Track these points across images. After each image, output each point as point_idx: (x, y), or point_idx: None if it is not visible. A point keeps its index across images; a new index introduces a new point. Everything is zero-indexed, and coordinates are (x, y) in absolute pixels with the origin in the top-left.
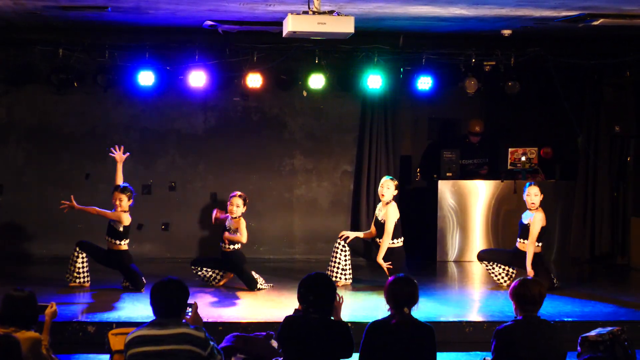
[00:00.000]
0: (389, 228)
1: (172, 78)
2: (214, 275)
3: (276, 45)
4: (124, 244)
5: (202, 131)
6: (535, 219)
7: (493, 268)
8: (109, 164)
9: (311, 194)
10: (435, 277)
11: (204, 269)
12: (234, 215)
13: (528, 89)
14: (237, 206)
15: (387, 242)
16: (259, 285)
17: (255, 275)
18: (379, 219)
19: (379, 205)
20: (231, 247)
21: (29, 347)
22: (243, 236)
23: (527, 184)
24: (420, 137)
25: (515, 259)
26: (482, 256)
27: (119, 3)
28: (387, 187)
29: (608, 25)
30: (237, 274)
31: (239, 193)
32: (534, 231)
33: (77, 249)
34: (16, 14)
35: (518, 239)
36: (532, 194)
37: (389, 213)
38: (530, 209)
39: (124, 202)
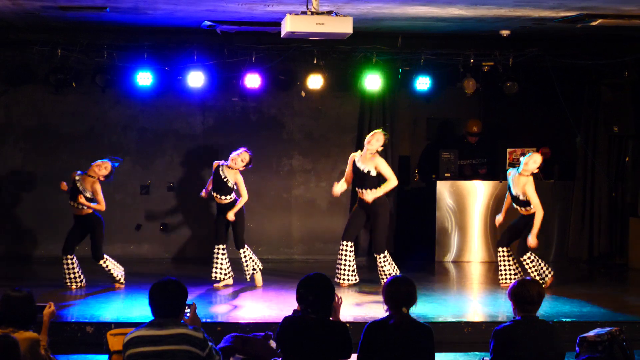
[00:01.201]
0: (389, 174)
1: (171, 78)
2: (227, 273)
3: (274, 45)
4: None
5: (200, 131)
6: (524, 186)
7: (507, 262)
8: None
9: (309, 194)
10: (434, 277)
11: (224, 260)
12: (232, 166)
13: (526, 89)
14: (242, 160)
15: (390, 186)
16: (245, 253)
17: (250, 253)
18: (362, 169)
19: (358, 157)
20: (227, 198)
21: (28, 347)
22: (244, 193)
23: (530, 153)
24: (419, 137)
25: (525, 225)
26: (502, 241)
27: (117, 3)
28: (377, 140)
29: (606, 25)
30: (233, 228)
31: (247, 151)
32: (533, 198)
33: (68, 257)
34: (15, 14)
35: (518, 208)
36: (531, 162)
37: (379, 164)
38: (522, 174)
39: (105, 172)
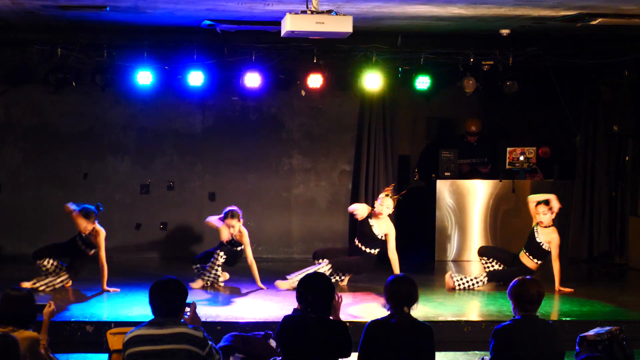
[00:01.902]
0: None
1: (170, 77)
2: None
3: (274, 44)
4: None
5: (200, 131)
6: (554, 243)
7: (492, 265)
8: (107, 163)
9: (309, 193)
10: (434, 276)
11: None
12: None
13: (526, 88)
14: (387, 207)
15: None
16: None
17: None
18: (376, 233)
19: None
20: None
21: (27, 346)
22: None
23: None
24: (419, 136)
25: (514, 264)
26: (482, 252)
27: (117, 2)
28: (387, 207)
29: (606, 24)
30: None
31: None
32: (555, 253)
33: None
34: (14, 13)
35: (524, 249)
36: (541, 212)
37: (389, 227)
38: (541, 225)
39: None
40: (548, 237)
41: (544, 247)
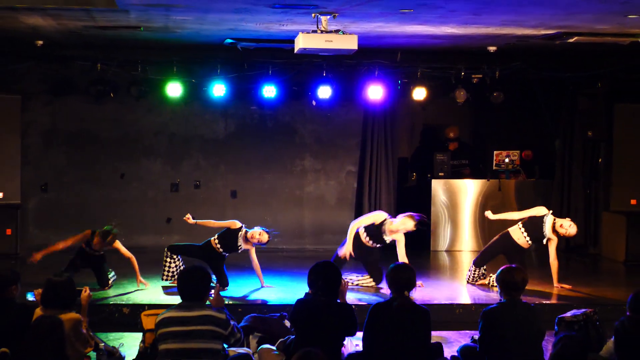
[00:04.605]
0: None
1: (197, 89)
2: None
3: (289, 60)
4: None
5: (223, 136)
6: (554, 242)
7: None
8: (141, 165)
9: (319, 191)
10: (429, 264)
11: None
12: (250, 240)
13: (511, 98)
14: (260, 240)
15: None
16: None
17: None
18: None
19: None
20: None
21: (71, 326)
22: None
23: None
24: (416, 141)
25: (505, 245)
26: (478, 262)
27: (150, 23)
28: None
29: (582, 42)
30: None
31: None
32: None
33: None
34: (59, 33)
35: (521, 225)
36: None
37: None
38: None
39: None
40: (552, 236)
41: (544, 235)
